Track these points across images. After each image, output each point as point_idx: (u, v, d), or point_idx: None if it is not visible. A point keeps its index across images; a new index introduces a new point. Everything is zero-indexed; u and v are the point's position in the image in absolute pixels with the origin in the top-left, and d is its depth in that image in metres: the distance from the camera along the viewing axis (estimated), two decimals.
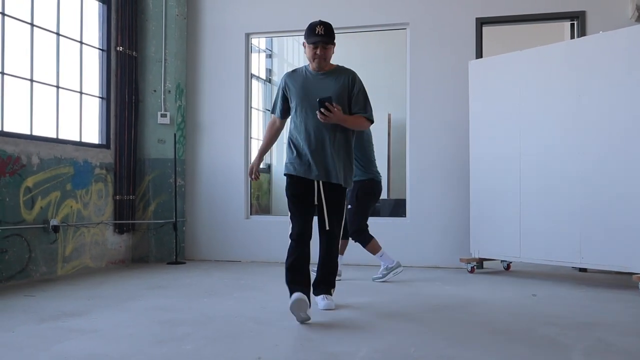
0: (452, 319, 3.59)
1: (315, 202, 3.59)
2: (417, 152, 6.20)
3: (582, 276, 5.49)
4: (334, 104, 3.39)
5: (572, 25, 6.01)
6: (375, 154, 5.15)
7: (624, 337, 3.10)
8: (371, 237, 5.01)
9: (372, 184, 5.00)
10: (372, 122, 3.71)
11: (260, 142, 3.82)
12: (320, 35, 3.50)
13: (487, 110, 5.61)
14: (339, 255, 5.07)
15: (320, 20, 3.56)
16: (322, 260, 3.75)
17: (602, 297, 4.35)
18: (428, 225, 6.12)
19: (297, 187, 3.60)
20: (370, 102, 3.71)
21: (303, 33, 3.62)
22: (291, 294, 3.39)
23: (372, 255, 5.09)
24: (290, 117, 3.75)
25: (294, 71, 3.75)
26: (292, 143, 3.64)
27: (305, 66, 3.71)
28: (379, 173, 5.11)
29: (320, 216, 3.64)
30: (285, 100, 3.72)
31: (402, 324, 3.33)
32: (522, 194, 5.29)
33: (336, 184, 3.58)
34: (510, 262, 5.82)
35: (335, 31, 3.61)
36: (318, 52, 3.52)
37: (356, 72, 3.74)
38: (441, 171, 6.11)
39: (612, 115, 4.72)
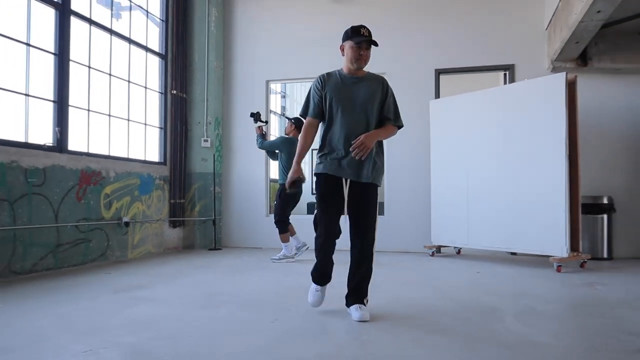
0: (418, 291, 3.59)
1: (346, 202, 2.74)
2: (392, 168, 6.17)
3: (514, 258, 5.49)
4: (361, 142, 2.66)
5: (505, 75, 6.04)
6: None
7: (544, 304, 3.11)
8: (287, 230, 5.00)
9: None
10: (400, 127, 2.93)
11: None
12: (366, 36, 2.69)
13: (443, 137, 5.62)
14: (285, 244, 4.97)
15: (360, 24, 2.75)
16: (353, 268, 2.78)
17: (528, 274, 4.35)
18: (400, 221, 6.11)
19: (327, 185, 2.75)
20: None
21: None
22: (314, 284, 2.88)
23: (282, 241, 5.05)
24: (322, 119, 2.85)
25: (328, 74, 2.83)
26: (324, 143, 2.79)
27: (337, 70, 2.83)
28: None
29: (349, 216, 2.78)
30: (321, 101, 2.78)
31: (380, 297, 3.29)
32: (469, 198, 5.31)
33: (366, 183, 2.78)
34: (461, 248, 5.81)
35: None
36: (362, 52, 2.71)
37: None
38: (410, 182, 6.11)
39: (533, 140, 4.74)
